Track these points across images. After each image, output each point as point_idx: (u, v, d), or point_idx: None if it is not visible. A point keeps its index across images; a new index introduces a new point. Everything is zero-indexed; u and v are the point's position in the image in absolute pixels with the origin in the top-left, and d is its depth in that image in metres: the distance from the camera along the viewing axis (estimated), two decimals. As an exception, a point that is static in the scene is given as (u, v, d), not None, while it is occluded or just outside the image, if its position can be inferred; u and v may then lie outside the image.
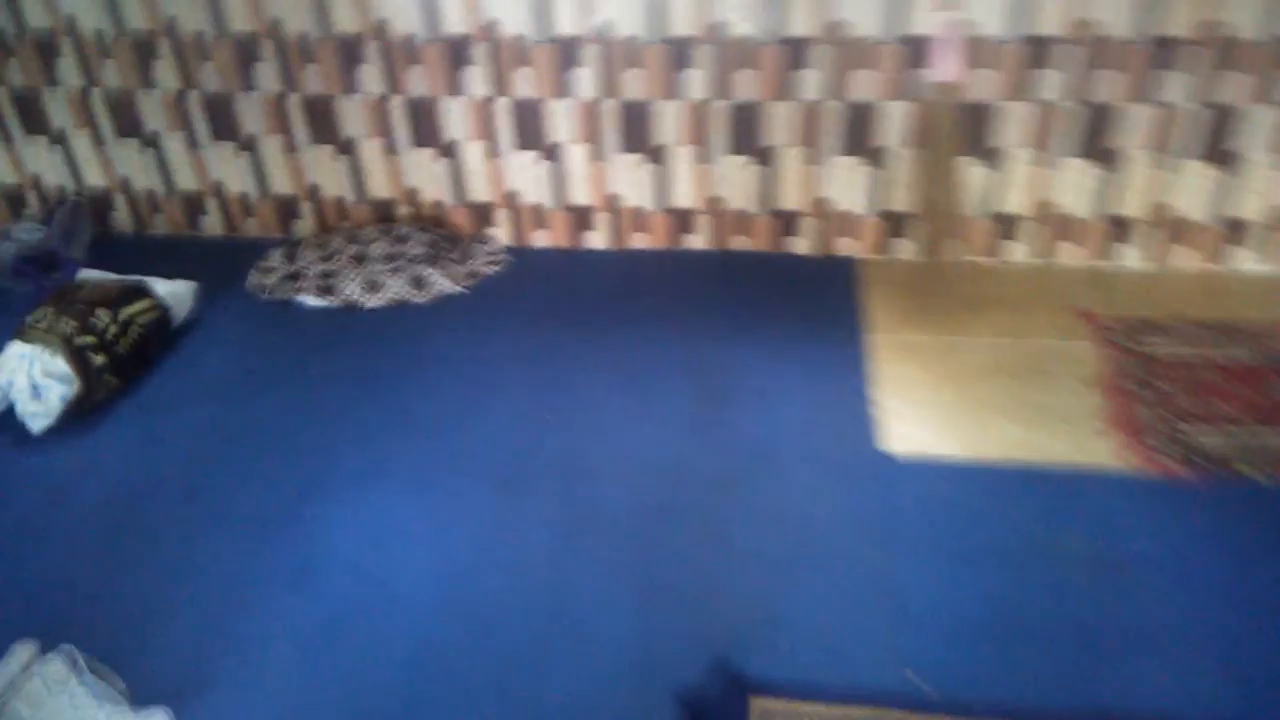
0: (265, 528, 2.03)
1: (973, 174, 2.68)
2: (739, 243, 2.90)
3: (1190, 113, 2.53)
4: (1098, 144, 2.60)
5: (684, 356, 2.50)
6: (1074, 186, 2.67)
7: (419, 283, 2.77)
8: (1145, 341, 2.46)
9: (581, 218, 2.93)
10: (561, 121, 2.78)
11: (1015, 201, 2.72)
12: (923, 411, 2.28)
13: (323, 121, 2.88)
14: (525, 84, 2.73)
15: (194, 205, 3.10)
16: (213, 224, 3.13)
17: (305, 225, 3.08)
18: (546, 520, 2.03)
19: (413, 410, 2.35)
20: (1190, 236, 2.69)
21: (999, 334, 2.52)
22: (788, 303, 2.70)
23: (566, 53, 2.67)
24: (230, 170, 3.01)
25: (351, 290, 2.74)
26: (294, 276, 2.81)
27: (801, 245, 2.88)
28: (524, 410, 2.34)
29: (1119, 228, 2.72)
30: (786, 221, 2.85)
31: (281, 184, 3.01)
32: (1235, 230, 2.67)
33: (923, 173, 2.67)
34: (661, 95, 2.70)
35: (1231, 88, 2.48)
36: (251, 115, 2.90)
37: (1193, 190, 2.63)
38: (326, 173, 2.97)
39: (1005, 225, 2.76)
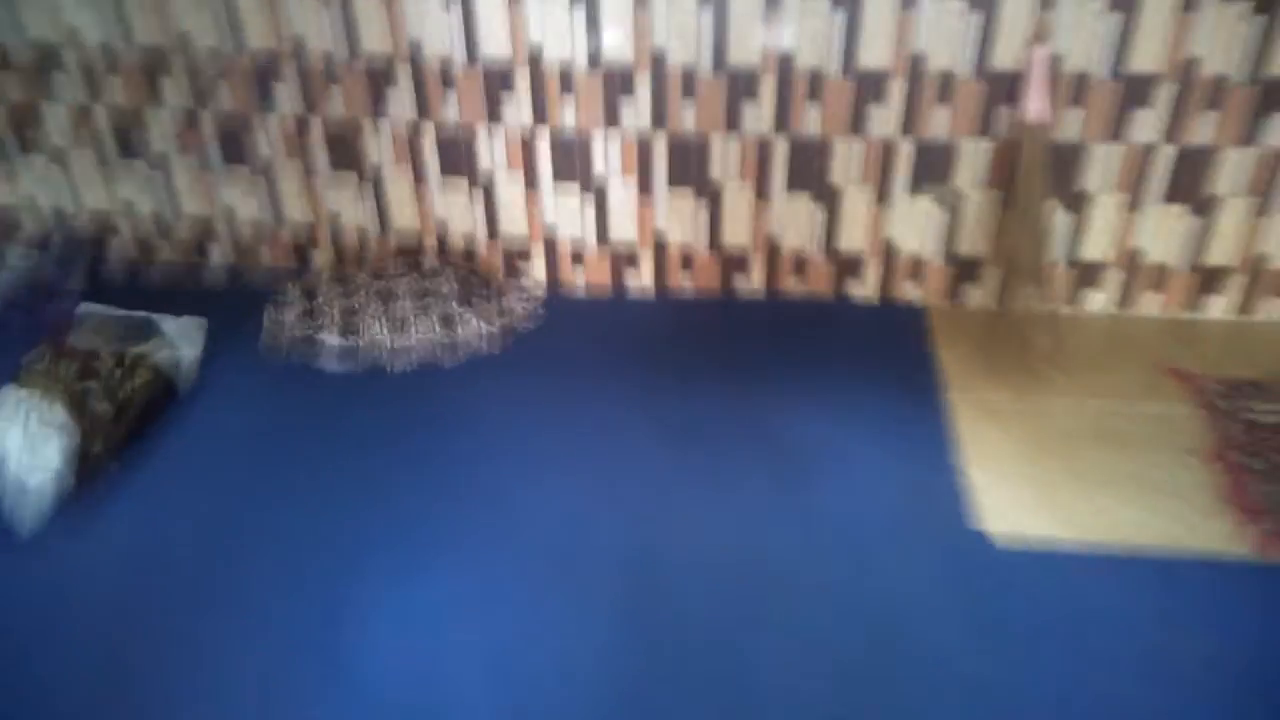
0: (293, 630, 1.78)
1: (1056, 218, 2.47)
2: (794, 286, 2.69)
3: (1295, 158, 2.33)
4: (1190, 188, 2.40)
5: (748, 419, 2.27)
6: (1161, 232, 2.47)
7: (451, 334, 2.53)
8: (1246, 404, 2.25)
9: (625, 256, 2.71)
10: (607, 154, 2.56)
11: (1098, 247, 2.51)
12: (1018, 487, 2.06)
13: (346, 149, 2.66)
14: (569, 113, 2.52)
15: (202, 234, 2.87)
16: (222, 254, 2.89)
17: (323, 258, 2.85)
18: (613, 624, 1.78)
19: (452, 485, 2.11)
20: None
21: (1089, 395, 2.30)
22: (855, 356, 2.48)
23: (616, 81, 2.45)
24: (242, 198, 2.78)
25: (378, 345, 2.51)
26: (314, 329, 2.56)
27: (863, 290, 2.66)
28: (577, 485, 2.11)
29: (1207, 277, 2.51)
30: (848, 264, 2.63)
31: (298, 214, 2.78)
32: (1336, 284, 2.47)
33: (1005, 216, 2.46)
34: (718, 128, 2.48)
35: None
36: (268, 140, 2.68)
37: (1291, 240, 2.43)
38: (348, 203, 2.74)
39: (1086, 272, 2.55)
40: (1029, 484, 2.06)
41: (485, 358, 2.51)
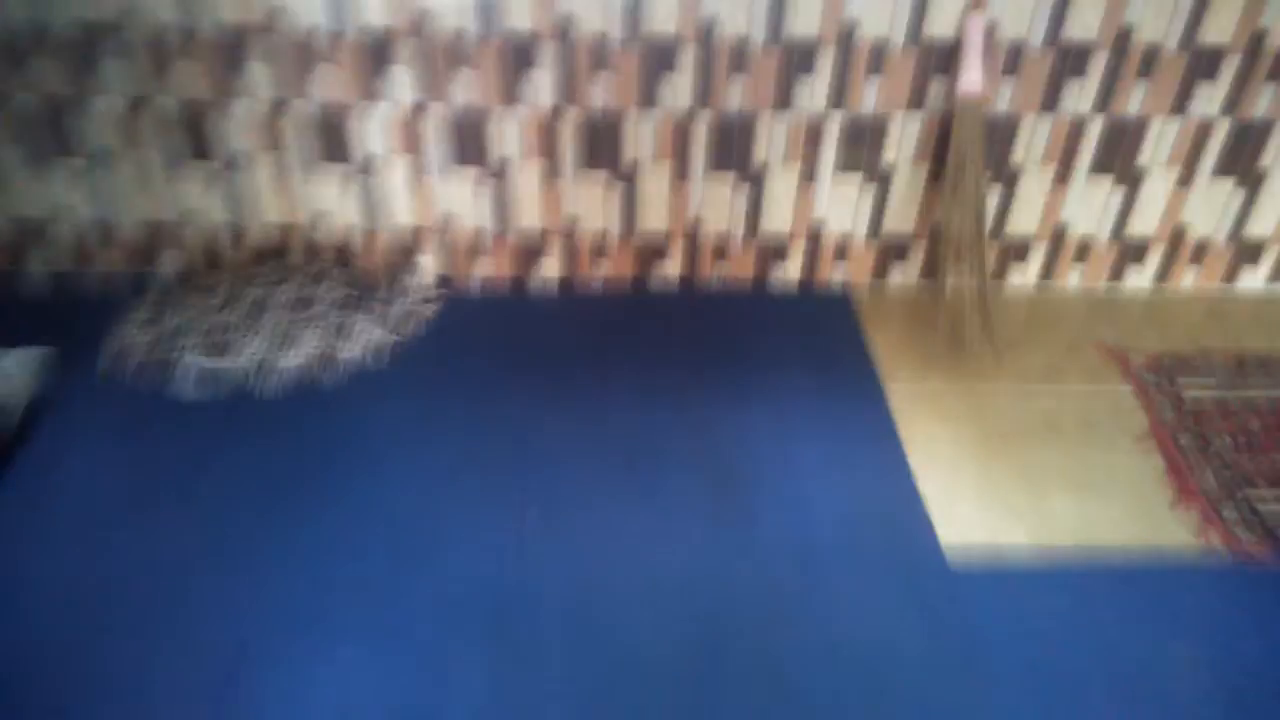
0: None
1: (989, 192, 2.36)
2: (717, 270, 2.49)
3: (1219, 127, 2.29)
4: (1119, 159, 2.33)
5: (679, 426, 2.09)
6: (1090, 205, 2.40)
7: (337, 347, 2.21)
8: (1181, 383, 2.24)
9: (531, 245, 2.44)
10: (510, 133, 2.26)
11: (1027, 222, 2.43)
12: (972, 486, 1.96)
13: (195, 135, 2.25)
14: (464, 89, 2.20)
15: (20, 241, 2.39)
16: (45, 259, 2.43)
17: (173, 263, 2.43)
18: (560, 679, 1.58)
19: (355, 528, 1.84)
20: (1204, 257, 2.49)
21: (1025, 379, 2.23)
22: (785, 346, 2.32)
23: (519, 53, 2.15)
24: (71, 196, 2.33)
25: (255, 365, 2.16)
26: (175, 349, 2.19)
27: (789, 272, 2.50)
28: (492, 519, 1.87)
29: (1134, 249, 2.47)
30: (772, 248, 2.46)
31: (140, 213, 2.36)
32: (1250, 249, 2.48)
33: (937, 191, 2.34)
34: (635, 103, 2.23)
35: (1263, 99, 2.25)
36: (98, 127, 2.23)
37: (1211, 208, 2.41)
38: (201, 199, 2.34)
39: (1015, 248, 2.47)
40: (984, 484, 1.97)
41: (372, 373, 2.21)
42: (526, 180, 2.33)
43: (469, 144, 2.27)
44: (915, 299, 2.48)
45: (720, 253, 2.46)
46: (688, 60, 2.17)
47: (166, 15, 2.08)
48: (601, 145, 2.28)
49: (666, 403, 2.15)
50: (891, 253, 2.47)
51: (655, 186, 2.35)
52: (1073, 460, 2.04)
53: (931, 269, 2.48)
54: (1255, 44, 2.17)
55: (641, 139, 2.27)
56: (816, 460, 2.01)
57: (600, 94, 2.21)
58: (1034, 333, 2.38)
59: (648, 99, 2.22)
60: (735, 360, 2.27)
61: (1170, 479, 2.00)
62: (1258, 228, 2.44)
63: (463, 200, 2.36)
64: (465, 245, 2.43)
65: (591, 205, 2.37)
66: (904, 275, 2.51)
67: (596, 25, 2.12)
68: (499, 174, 2.32)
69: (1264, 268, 2.51)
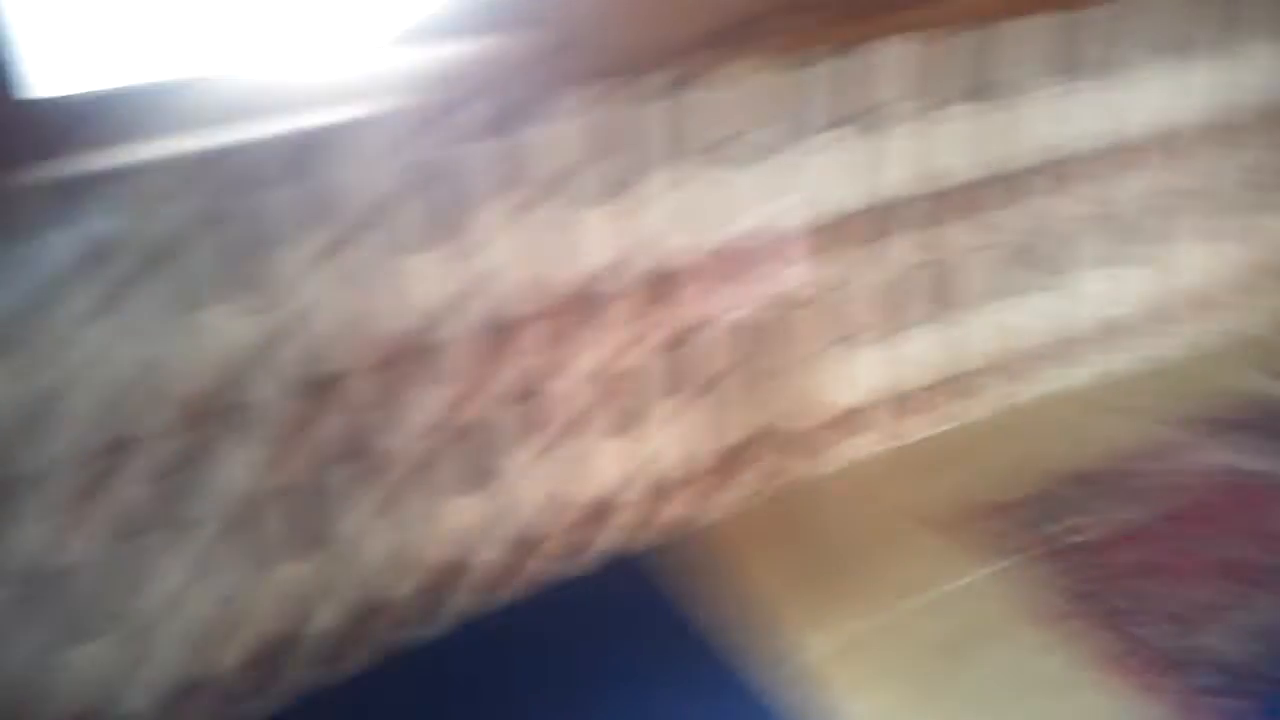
0: None
1: (819, 373, 1.97)
2: (533, 571, 1.86)
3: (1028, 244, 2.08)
4: (944, 302, 2.05)
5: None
6: (918, 356, 2.10)
7: None
8: (1051, 534, 1.96)
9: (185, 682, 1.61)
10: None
11: (859, 391, 2.08)
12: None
13: None
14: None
15: None
16: None
17: None
18: None
19: None
20: (1028, 372, 2.28)
21: (913, 585, 1.84)
22: (638, 654, 1.74)
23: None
24: None
25: None
26: None
27: (610, 541, 1.94)
28: None
29: (966, 385, 2.21)
30: (591, 517, 1.89)
31: None
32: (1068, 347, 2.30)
33: (759, 394, 1.92)
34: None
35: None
36: None
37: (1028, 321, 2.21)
38: None
39: (850, 422, 2.11)
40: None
41: None
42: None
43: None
44: (758, 518, 2.03)
45: (491, 585, 1.83)
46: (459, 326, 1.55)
47: None
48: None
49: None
50: (726, 472, 2.01)
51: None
52: (1010, 678, 1.66)
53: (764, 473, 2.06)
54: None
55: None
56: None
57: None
58: (892, 514, 1.99)
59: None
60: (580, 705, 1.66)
61: (1120, 667, 1.68)
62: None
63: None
64: None
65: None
66: (739, 490, 2.05)
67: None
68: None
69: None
